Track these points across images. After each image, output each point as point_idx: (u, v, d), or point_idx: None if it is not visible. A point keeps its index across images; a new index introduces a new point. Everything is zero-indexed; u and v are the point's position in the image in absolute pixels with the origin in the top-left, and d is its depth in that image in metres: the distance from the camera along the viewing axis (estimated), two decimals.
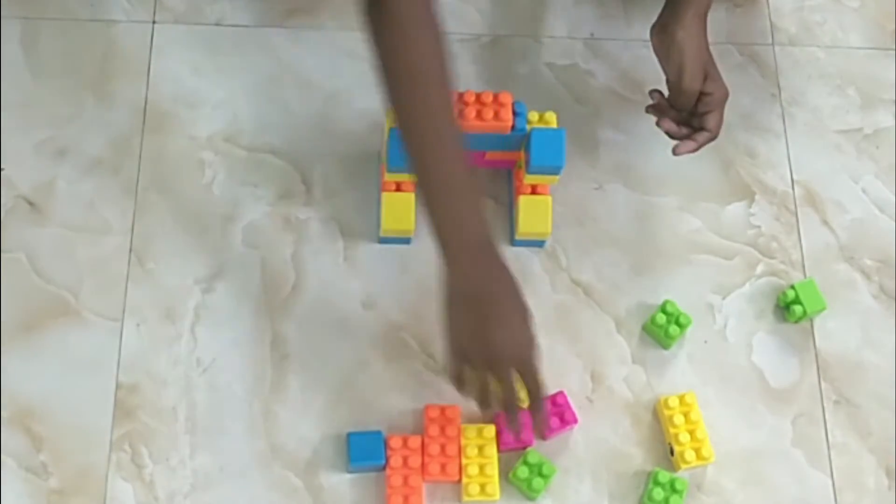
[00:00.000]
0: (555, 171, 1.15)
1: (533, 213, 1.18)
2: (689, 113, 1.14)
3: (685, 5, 1.11)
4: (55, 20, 1.28)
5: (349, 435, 1.10)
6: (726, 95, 1.13)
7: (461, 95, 1.12)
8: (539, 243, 1.21)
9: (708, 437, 1.12)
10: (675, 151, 1.13)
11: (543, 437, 1.12)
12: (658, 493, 1.10)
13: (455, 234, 0.98)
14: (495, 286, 0.99)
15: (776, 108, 1.32)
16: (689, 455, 1.11)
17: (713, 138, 1.13)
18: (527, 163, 1.15)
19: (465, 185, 0.98)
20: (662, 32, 1.12)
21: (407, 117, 0.98)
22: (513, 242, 1.21)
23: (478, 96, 1.12)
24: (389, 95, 0.98)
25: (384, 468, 1.09)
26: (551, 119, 1.17)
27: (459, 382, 1.02)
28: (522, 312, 0.99)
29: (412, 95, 0.98)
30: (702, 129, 1.12)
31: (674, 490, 1.10)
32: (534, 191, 1.18)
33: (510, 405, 1.00)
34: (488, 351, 0.98)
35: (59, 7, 1.28)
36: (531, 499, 1.11)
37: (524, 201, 1.18)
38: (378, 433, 1.10)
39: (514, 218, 1.20)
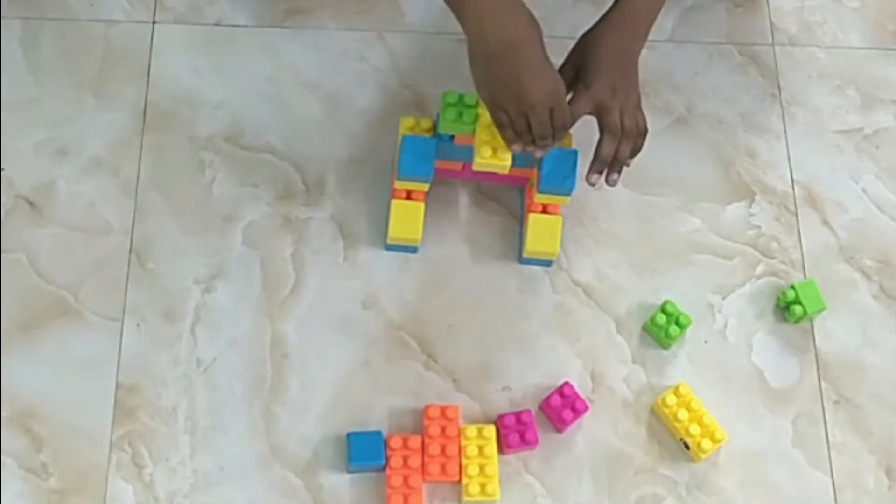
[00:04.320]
0: (565, 192, 1.14)
1: (542, 233, 1.17)
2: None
3: (610, 12, 1.09)
4: (55, 20, 1.28)
5: (349, 435, 1.10)
6: (636, 128, 1.08)
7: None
8: (546, 262, 1.20)
9: (714, 418, 1.13)
10: (588, 179, 1.08)
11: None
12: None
13: None
14: (517, 37, 1.00)
15: (776, 108, 1.32)
16: (706, 443, 1.11)
17: (618, 162, 1.08)
18: (538, 182, 1.14)
19: None
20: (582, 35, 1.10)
21: None
22: (520, 260, 1.20)
23: None
24: None
25: (384, 468, 1.09)
26: (567, 139, 1.15)
27: (503, 128, 1.05)
28: (543, 57, 1.02)
29: None
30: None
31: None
32: (545, 210, 1.17)
33: (544, 140, 1.04)
34: (522, 100, 1.01)
35: (59, 7, 1.28)
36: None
37: (534, 219, 1.17)
38: (378, 433, 1.10)
39: (524, 235, 1.19)
